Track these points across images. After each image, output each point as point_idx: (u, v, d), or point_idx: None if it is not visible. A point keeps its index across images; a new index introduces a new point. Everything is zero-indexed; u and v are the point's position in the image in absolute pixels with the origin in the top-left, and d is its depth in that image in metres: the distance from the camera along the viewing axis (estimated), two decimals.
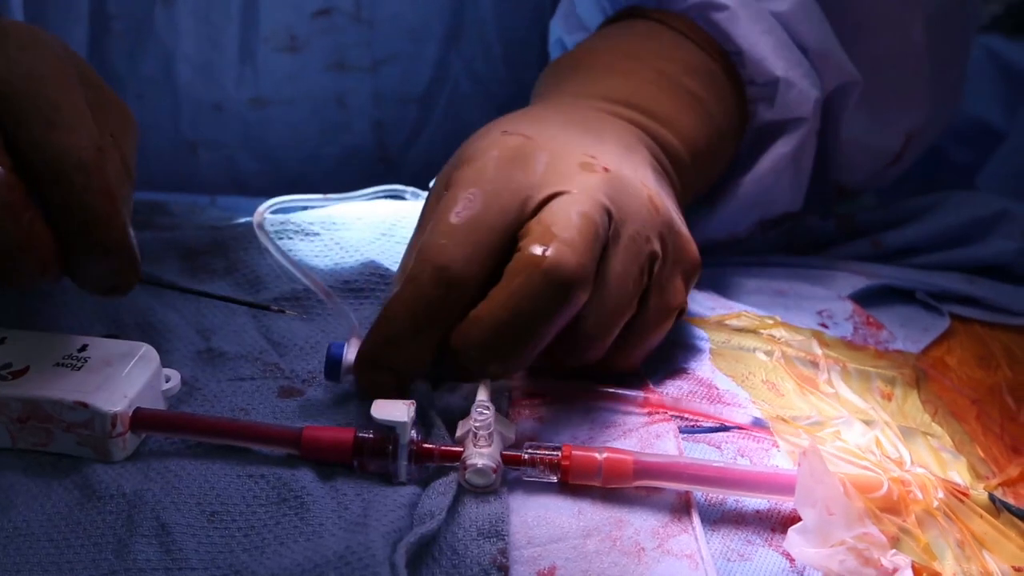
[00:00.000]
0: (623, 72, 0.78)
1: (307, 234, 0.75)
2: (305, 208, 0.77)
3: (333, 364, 0.64)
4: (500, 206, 0.62)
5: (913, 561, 0.56)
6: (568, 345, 0.63)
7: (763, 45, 0.81)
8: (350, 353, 0.63)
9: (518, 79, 1.00)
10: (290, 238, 0.74)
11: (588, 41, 0.84)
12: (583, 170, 0.65)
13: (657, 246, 0.66)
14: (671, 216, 0.67)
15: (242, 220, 0.79)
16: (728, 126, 0.81)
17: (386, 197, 0.81)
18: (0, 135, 0.58)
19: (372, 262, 0.73)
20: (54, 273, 0.59)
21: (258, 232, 0.72)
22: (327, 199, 0.77)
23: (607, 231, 0.63)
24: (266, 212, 0.74)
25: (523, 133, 0.67)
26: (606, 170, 0.65)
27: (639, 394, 0.65)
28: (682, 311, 0.69)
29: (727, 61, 0.82)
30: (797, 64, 0.82)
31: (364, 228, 0.76)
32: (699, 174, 0.79)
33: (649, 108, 0.76)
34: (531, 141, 0.66)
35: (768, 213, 0.87)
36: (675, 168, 0.75)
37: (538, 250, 0.60)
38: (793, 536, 0.57)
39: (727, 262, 0.87)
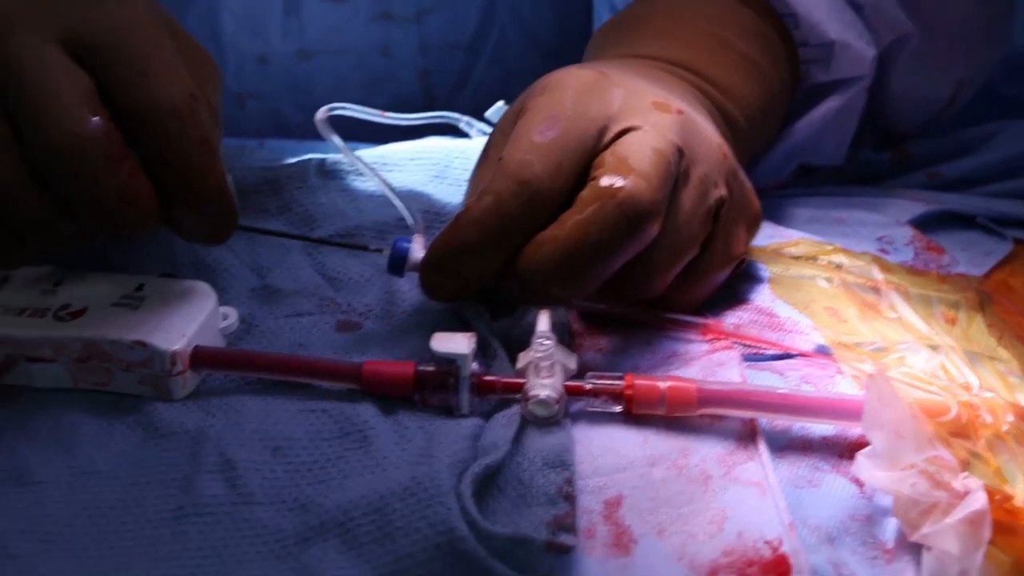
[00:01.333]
0: (679, 37, 0.77)
1: (360, 174, 0.74)
2: (361, 120, 0.76)
3: (398, 259, 0.63)
4: (579, 132, 0.62)
5: (985, 483, 0.55)
6: (630, 279, 0.62)
7: (818, 7, 0.81)
8: (416, 250, 0.63)
9: (564, 24, 0.99)
10: (342, 177, 0.74)
11: (640, 3, 0.83)
12: (657, 109, 0.64)
13: (724, 191, 0.65)
14: (736, 164, 0.67)
15: (293, 160, 0.79)
16: (781, 89, 0.81)
17: (441, 123, 0.79)
18: (94, 86, 0.57)
19: (426, 200, 0.72)
20: (153, 223, 0.59)
21: (320, 127, 0.70)
22: (385, 116, 0.76)
23: (678, 169, 0.62)
24: (326, 114, 0.73)
25: (598, 69, 0.66)
26: (680, 112, 0.64)
27: (700, 320, 0.64)
28: (743, 261, 0.68)
29: (780, 23, 0.81)
30: (851, 24, 0.81)
31: (416, 169, 0.76)
32: (753, 139, 0.79)
33: (706, 73, 0.75)
34: (606, 76, 0.65)
35: (810, 162, 0.86)
36: (732, 133, 0.75)
37: (615, 181, 0.59)
38: (862, 461, 0.57)
39: (783, 193, 0.85)
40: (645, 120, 0.63)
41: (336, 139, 0.68)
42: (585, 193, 0.60)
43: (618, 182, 0.59)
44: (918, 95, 0.87)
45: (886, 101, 0.86)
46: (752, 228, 0.69)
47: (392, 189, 0.67)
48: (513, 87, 0.98)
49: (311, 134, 0.97)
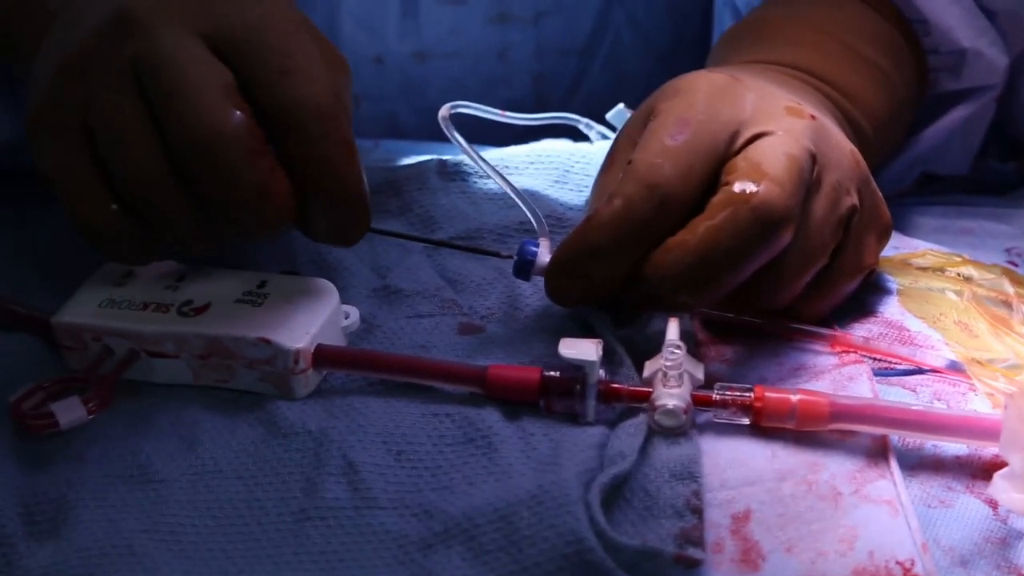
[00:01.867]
0: (807, 44, 0.76)
1: (480, 176, 0.74)
2: (483, 118, 0.75)
3: (525, 262, 0.62)
4: (711, 136, 0.61)
5: None
6: (759, 287, 0.61)
7: (950, 14, 0.79)
8: (543, 254, 0.62)
9: (679, 29, 0.98)
10: (463, 179, 0.73)
11: (767, 9, 0.82)
12: (789, 114, 0.63)
13: (856, 199, 0.63)
14: (868, 173, 0.65)
15: (413, 160, 0.78)
16: (909, 96, 0.79)
17: (559, 124, 0.79)
18: (236, 82, 0.57)
19: (547, 205, 0.72)
20: (288, 222, 0.58)
21: (443, 124, 0.70)
22: (504, 115, 0.75)
23: (811, 175, 0.61)
24: (449, 112, 0.72)
25: (730, 74, 0.65)
26: (812, 117, 0.63)
27: (829, 332, 0.63)
28: (872, 271, 0.67)
29: (910, 30, 0.79)
30: (984, 32, 0.79)
31: (536, 173, 0.75)
32: (880, 147, 0.77)
33: (834, 80, 0.74)
34: (739, 81, 0.64)
35: (935, 171, 0.85)
36: (859, 142, 0.73)
37: (748, 187, 0.58)
38: (999, 482, 0.55)
39: (907, 201, 0.84)
40: (778, 125, 0.62)
41: (458, 138, 0.68)
42: (717, 198, 0.59)
43: (751, 187, 0.58)
44: None
45: (1015, 111, 0.84)
46: (882, 238, 0.67)
47: (516, 191, 0.66)
48: (626, 91, 0.97)
49: (424, 136, 0.97)
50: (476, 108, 0.73)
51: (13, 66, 0.66)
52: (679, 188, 0.59)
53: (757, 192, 0.58)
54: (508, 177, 0.73)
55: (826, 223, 0.61)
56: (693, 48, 1.00)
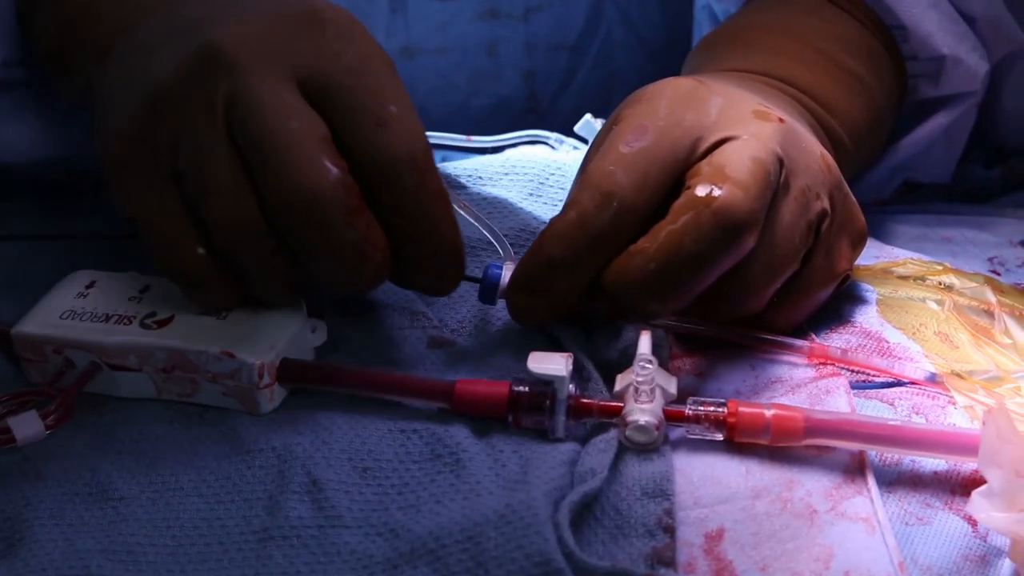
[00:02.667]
0: (783, 52, 0.75)
1: (452, 186, 0.72)
2: (449, 148, 0.75)
3: (490, 286, 0.61)
4: (671, 142, 0.60)
5: None
6: (726, 294, 0.60)
7: (929, 20, 0.78)
8: (507, 276, 0.61)
9: (673, 26, 0.97)
10: None
11: (744, 15, 0.81)
12: (757, 118, 0.61)
13: (827, 204, 0.62)
14: (841, 178, 0.64)
15: None
16: (887, 104, 0.78)
17: (530, 143, 0.78)
18: (330, 133, 0.56)
19: (522, 219, 0.71)
20: (384, 278, 0.58)
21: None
22: (471, 140, 0.75)
23: (778, 179, 0.60)
24: None
25: (697, 79, 0.64)
26: (781, 121, 0.62)
27: (806, 344, 0.62)
28: (847, 277, 0.66)
29: (888, 36, 0.78)
30: (964, 38, 0.78)
31: (511, 185, 0.74)
32: (859, 156, 0.76)
33: (810, 89, 0.73)
34: (705, 86, 0.63)
35: (916, 179, 0.84)
36: (836, 151, 0.72)
37: (710, 190, 0.57)
38: (977, 500, 0.54)
39: (887, 209, 0.83)
40: (744, 130, 0.60)
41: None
42: (679, 202, 0.58)
43: (714, 191, 0.57)
44: None
45: (997, 117, 0.83)
46: (857, 245, 0.66)
47: (478, 217, 0.66)
48: (618, 89, 0.97)
49: None
50: (439, 137, 0.74)
51: (63, 78, 0.64)
52: (633, 196, 0.58)
53: (719, 195, 0.57)
54: (482, 188, 0.72)
55: (794, 228, 0.60)
56: (686, 46, 0.99)
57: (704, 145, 0.60)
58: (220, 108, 0.55)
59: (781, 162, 0.60)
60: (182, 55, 0.56)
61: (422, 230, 0.57)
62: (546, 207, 0.73)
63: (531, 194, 0.73)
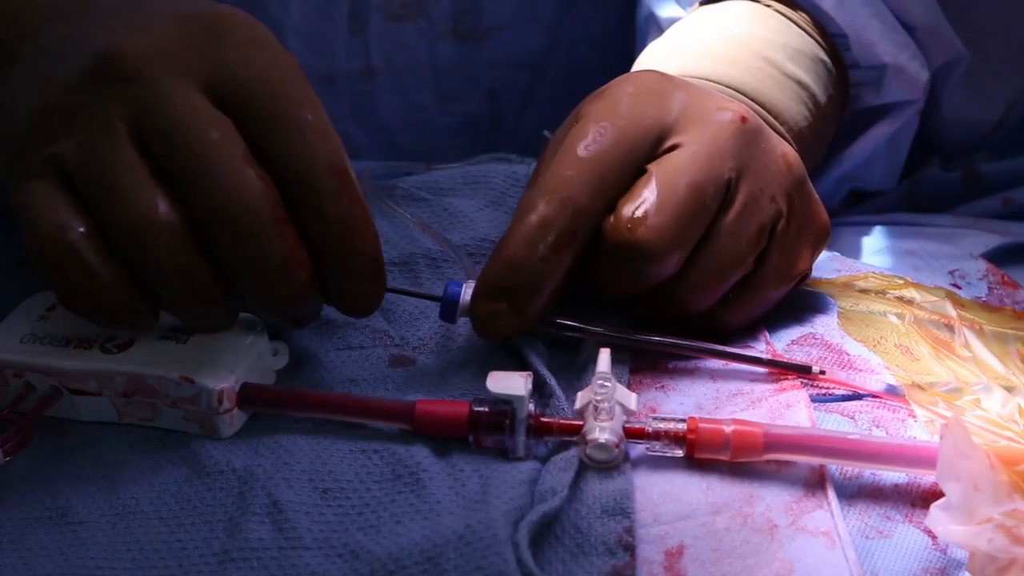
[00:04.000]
0: (729, 59, 0.75)
1: (414, 199, 0.72)
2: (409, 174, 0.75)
3: (450, 304, 0.61)
4: (629, 143, 0.60)
5: None
6: (672, 296, 0.61)
7: (871, 29, 0.79)
8: (468, 293, 0.61)
9: (635, 41, 0.97)
10: (396, 203, 0.72)
11: (689, 23, 0.81)
12: (718, 114, 0.62)
13: (783, 205, 0.63)
14: (803, 176, 0.64)
15: None
16: (831, 112, 0.79)
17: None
18: (243, 143, 0.54)
19: (482, 228, 0.71)
20: (311, 292, 0.56)
21: (365, 184, 0.69)
22: (432, 168, 0.75)
23: (719, 195, 0.60)
24: (368, 177, 0.72)
25: (661, 72, 0.64)
26: (743, 119, 0.62)
27: (768, 357, 0.62)
28: (804, 277, 0.66)
29: (832, 44, 0.79)
30: (905, 47, 0.79)
31: (472, 194, 0.74)
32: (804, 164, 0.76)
33: (759, 98, 0.73)
34: (669, 79, 0.63)
35: (862, 188, 0.85)
36: None
37: (625, 217, 0.59)
38: (936, 513, 0.54)
39: (850, 221, 0.83)
40: (700, 135, 0.61)
41: (389, 203, 0.68)
42: (606, 224, 0.59)
43: (628, 219, 0.59)
44: (968, 117, 0.86)
45: (936, 124, 0.84)
46: (819, 244, 0.66)
47: (440, 236, 0.66)
48: (575, 104, 0.97)
49: (376, 155, 0.96)
50: (398, 166, 0.75)
51: None
52: (589, 202, 0.59)
53: (636, 234, 0.58)
54: (443, 199, 0.72)
55: (739, 234, 0.61)
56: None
57: (664, 145, 0.61)
58: (123, 115, 0.54)
59: (728, 179, 0.61)
60: (81, 61, 0.55)
61: (344, 238, 0.55)
62: (507, 216, 0.72)
63: (492, 202, 0.73)
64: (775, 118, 0.73)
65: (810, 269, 0.66)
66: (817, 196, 0.66)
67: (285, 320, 0.58)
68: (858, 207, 0.87)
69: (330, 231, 0.55)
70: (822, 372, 0.61)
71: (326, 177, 0.55)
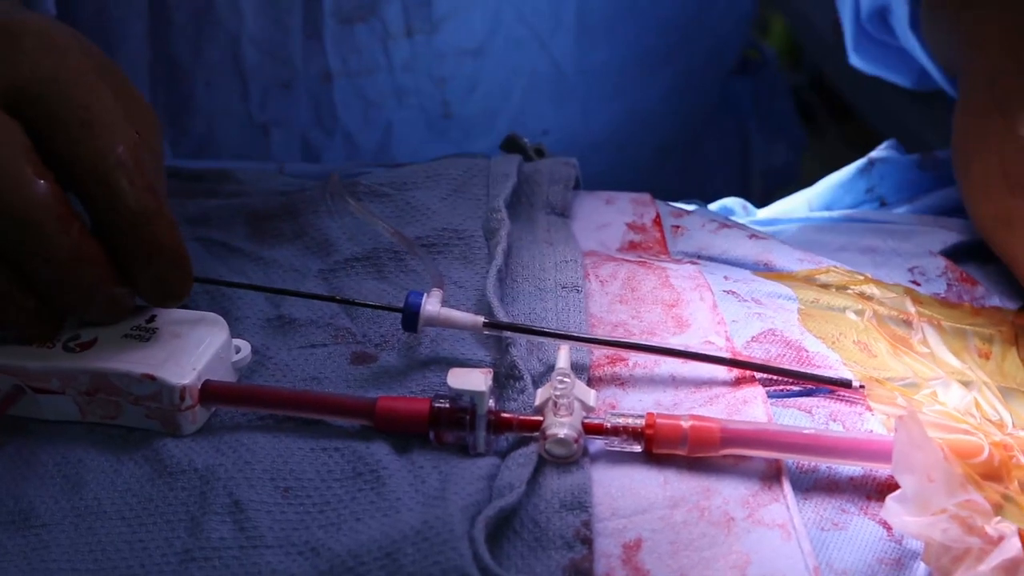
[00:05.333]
0: None
1: (377, 195, 0.73)
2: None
3: (411, 314, 0.62)
4: None
5: (1020, 528, 0.53)
6: None
7: None
8: (429, 303, 0.61)
9: (557, 15, 0.99)
10: (359, 200, 0.72)
11: None
12: None
13: None
14: None
15: (311, 184, 0.78)
16: None
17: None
18: (32, 143, 0.55)
19: (444, 217, 0.71)
20: (109, 285, 0.57)
21: (333, 185, 0.70)
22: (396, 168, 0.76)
23: None
24: (338, 180, 0.73)
25: None
26: None
27: (727, 355, 0.62)
28: None
29: None
30: None
31: (434, 186, 0.74)
32: None
33: None
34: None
35: None
36: None
37: None
38: (891, 505, 0.55)
39: (811, 219, 0.84)
40: None
41: (352, 204, 0.68)
42: None
43: None
44: None
45: None
46: None
47: (411, 243, 0.66)
48: (517, 84, 0.98)
49: (337, 155, 0.96)
50: (366, 168, 0.74)
51: None
52: None
53: None
54: (406, 193, 0.72)
55: None
56: (571, 34, 1.00)
57: None
58: None
59: None
60: None
61: (138, 226, 0.56)
62: (469, 203, 0.73)
63: (453, 191, 0.73)
64: None
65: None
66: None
67: (93, 315, 0.59)
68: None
69: (121, 222, 0.56)
70: (862, 386, 0.62)
71: (113, 170, 0.56)
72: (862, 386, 0.61)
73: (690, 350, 0.63)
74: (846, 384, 0.61)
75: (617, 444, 0.57)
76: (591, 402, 0.58)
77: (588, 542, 0.52)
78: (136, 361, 0.58)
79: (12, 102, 0.56)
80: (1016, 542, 0.53)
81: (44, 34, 0.58)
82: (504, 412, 0.57)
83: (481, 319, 0.61)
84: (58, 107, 0.56)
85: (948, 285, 0.74)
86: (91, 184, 0.56)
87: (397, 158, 0.96)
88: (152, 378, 0.57)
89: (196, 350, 0.59)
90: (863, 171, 0.87)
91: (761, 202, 0.93)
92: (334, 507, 0.54)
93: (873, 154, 0.88)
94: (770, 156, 1.27)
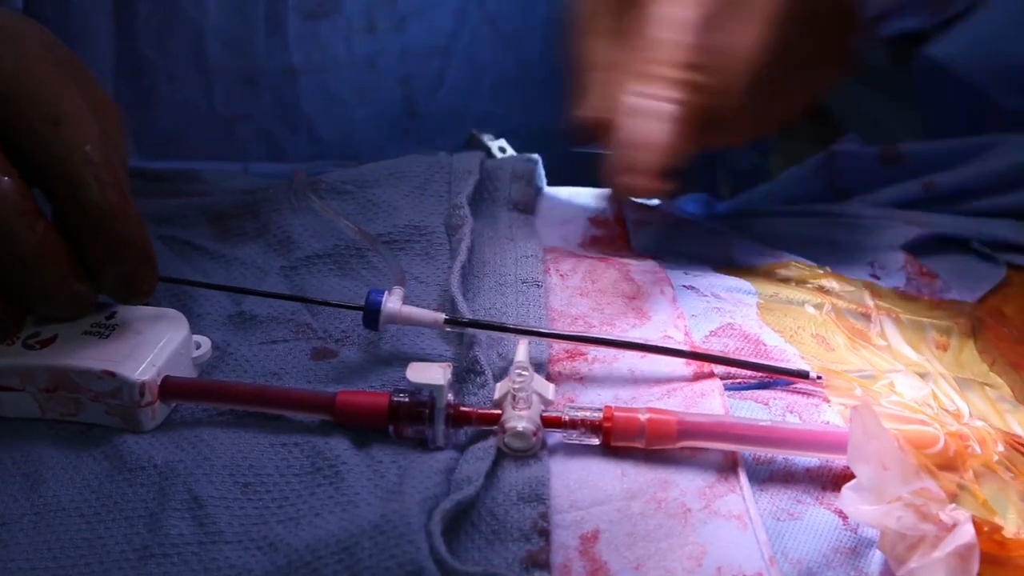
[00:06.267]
0: None
1: (339, 192, 0.73)
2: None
3: (372, 312, 0.62)
4: None
5: (973, 515, 0.54)
6: None
7: None
8: (390, 301, 0.62)
9: (524, 14, 0.99)
10: (322, 197, 0.72)
11: None
12: None
13: None
14: None
15: (275, 181, 0.78)
16: None
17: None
18: None
19: (406, 214, 0.71)
20: (75, 281, 0.57)
21: (297, 183, 0.70)
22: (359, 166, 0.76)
23: None
24: (303, 178, 0.73)
25: None
26: None
27: (686, 348, 0.63)
28: None
29: None
30: None
31: (397, 183, 0.75)
32: None
33: None
34: None
35: None
36: None
37: None
38: (847, 494, 0.55)
39: (775, 212, 0.84)
40: None
41: (313, 199, 0.68)
42: None
43: None
44: None
45: None
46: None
47: (373, 240, 0.67)
48: (482, 81, 0.99)
49: (300, 152, 0.96)
50: (329, 167, 0.74)
51: None
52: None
53: None
54: (368, 191, 0.73)
55: None
56: (539, 32, 1.00)
57: None
58: None
59: None
60: None
61: (104, 222, 0.56)
62: (432, 200, 0.73)
63: (417, 187, 0.74)
64: None
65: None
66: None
67: (55, 311, 0.59)
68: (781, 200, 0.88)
69: (87, 219, 0.56)
70: (819, 377, 0.62)
71: (78, 166, 0.56)
72: (819, 377, 0.62)
73: (650, 343, 0.63)
74: (804, 375, 0.62)
75: (575, 437, 0.57)
76: (549, 396, 0.58)
77: (545, 534, 0.53)
78: (96, 358, 0.58)
79: None
80: (970, 528, 0.53)
81: (5, 28, 0.58)
82: (463, 406, 0.57)
83: (442, 316, 0.61)
84: (23, 103, 0.56)
85: (908, 279, 0.75)
86: (57, 181, 0.56)
87: (362, 155, 0.96)
88: (112, 374, 0.57)
89: (156, 346, 0.59)
90: (824, 164, 0.88)
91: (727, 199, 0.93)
92: (293, 502, 0.54)
93: (834, 147, 0.88)
94: (738, 159, 1.27)
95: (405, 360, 0.59)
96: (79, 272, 0.57)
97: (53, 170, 0.56)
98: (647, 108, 0.65)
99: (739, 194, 0.97)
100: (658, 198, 0.66)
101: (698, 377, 0.62)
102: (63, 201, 0.56)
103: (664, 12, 0.66)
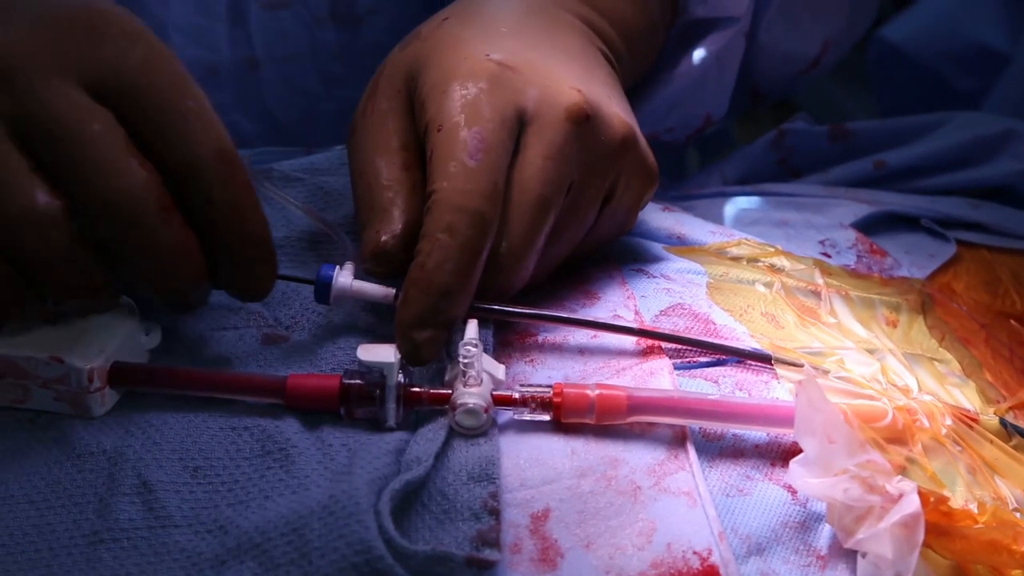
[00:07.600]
0: None
1: (290, 180, 0.73)
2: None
3: (323, 286, 0.62)
4: (504, 150, 0.61)
5: (919, 486, 0.54)
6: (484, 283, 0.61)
7: None
8: (342, 276, 0.62)
9: None
10: (273, 185, 0.72)
11: None
12: (563, 111, 0.62)
13: (617, 179, 0.65)
14: (634, 138, 0.65)
15: None
16: (661, 18, 0.80)
17: None
18: (127, 134, 0.55)
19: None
20: (203, 278, 0.57)
21: (248, 171, 0.70)
22: (311, 153, 0.76)
23: (562, 200, 0.63)
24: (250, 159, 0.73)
25: (503, 62, 0.64)
26: (587, 117, 0.63)
27: (635, 327, 0.63)
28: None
29: None
30: None
31: (347, 173, 0.74)
32: (632, 66, 0.77)
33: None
34: (513, 71, 0.63)
35: (692, 114, 0.86)
36: (614, 58, 0.74)
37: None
38: (795, 468, 0.56)
39: (725, 192, 0.85)
40: (550, 142, 0.62)
41: (268, 186, 0.68)
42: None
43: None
44: (784, 49, 0.88)
45: (755, 52, 0.86)
46: (648, 188, 0.68)
47: (326, 222, 0.67)
48: None
49: (265, 143, 0.96)
50: (281, 151, 0.76)
51: None
52: (493, 210, 0.59)
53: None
54: (320, 178, 0.73)
55: (580, 226, 0.65)
56: None
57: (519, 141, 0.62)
58: (4, 119, 0.54)
59: (570, 184, 0.63)
60: None
61: (233, 222, 0.57)
62: None
63: None
64: (604, 18, 0.73)
65: (636, 217, 0.69)
66: (645, 143, 0.67)
67: (176, 307, 0.59)
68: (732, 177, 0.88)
69: (218, 217, 0.56)
70: (771, 360, 0.63)
71: (212, 163, 0.56)
72: (771, 359, 0.62)
73: (601, 321, 0.63)
74: (755, 356, 0.62)
75: (527, 414, 0.57)
76: (500, 376, 0.58)
77: (495, 513, 0.53)
78: (43, 344, 0.58)
79: (103, 91, 0.55)
80: (915, 499, 0.54)
81: (128, 22, 0.58)
82: (414, 386, 0.57)
83: (392, 291, 0.61)
84: (153, 99, 0.55)
85: (858, 256, 0.76)
86: (187, 178, 0.56)
87: (326, 147, 0.96)
88: (60, 361, 0.57)
89: (105, 332, 0.59)
90: (774, 143, 0.88)
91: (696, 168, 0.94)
92: (243, 485, 0.54)
93: (784, 125, 0.89)
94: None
95: (355, 342, 0.59)
96: (206, 270, 0.58)
97: (185, 166, 0.55)
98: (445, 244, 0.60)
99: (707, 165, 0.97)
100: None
101: (647, 355, 0.62)
102: (194, 198, 0.56)
103: (456, 139, 0.61)
